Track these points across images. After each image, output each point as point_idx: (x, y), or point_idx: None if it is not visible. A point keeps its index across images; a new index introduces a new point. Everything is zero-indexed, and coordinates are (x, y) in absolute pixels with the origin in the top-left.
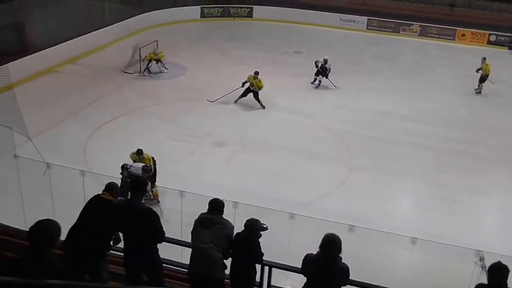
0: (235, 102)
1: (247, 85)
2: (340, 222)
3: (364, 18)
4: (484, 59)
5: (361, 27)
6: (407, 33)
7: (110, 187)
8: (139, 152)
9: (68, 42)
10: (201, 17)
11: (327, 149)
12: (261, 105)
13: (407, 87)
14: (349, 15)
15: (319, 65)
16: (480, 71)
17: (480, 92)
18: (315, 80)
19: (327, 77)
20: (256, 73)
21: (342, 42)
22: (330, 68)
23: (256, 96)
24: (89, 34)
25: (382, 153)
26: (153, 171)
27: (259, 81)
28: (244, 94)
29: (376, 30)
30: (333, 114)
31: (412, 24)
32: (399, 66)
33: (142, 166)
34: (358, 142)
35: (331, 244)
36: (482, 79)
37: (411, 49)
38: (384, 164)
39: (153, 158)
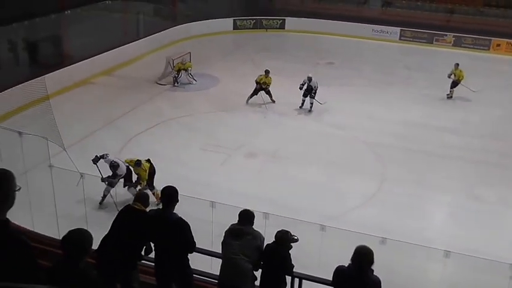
0: (247, 102)
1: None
2: (372, 235)
3: (397, 29)
4: (457, 64)
5: (394, 38)
6: (440, 44)
7: (141, 197)
8: (137, 164)
9: (103, 54)
10: (233, 28)
11: (360, 161)
12: (272, 99)
13: (442, 98)
14: (382, 26)
15: (305, 86)
16: (452, 76)
17: (451, 97)
18: (303, 102)
19: (313, 97)
20: (267, 72)
21: (375, 53)
22: (316, 87)
23: (268, 92)
24: (124, 46)
25: (415, 164)
26: (123, 172)
27: (270, 78)
28: (255, 93)
29: (409, 41)
30: (366, 125)
31: (446, 35)
32: (433, 76)
33: (111, 161)
34: (391, 153)
35: (363, 256)
36: (454, 84)
37: (445, 60)
38: (418, 176)
39: (151, 164)
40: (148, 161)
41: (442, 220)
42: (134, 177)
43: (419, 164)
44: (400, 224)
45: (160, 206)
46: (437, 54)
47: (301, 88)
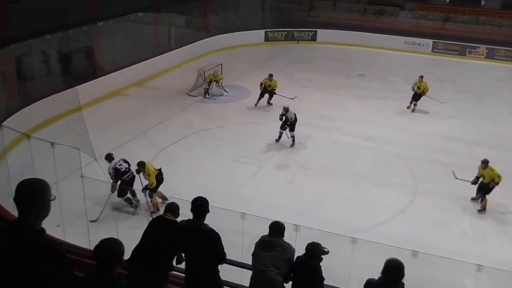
0: (256, 105)
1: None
2: (403, 248)
3: (430, 41)
4: (421, 77)
5: (426, 50)
6: (473, 56)
7: (172, 208)
8: (139, 164)
9: (134, 65)
10: (265, 40)
11: (391, 173)
12: (269, 102)
13: (474, 111)
14: (414, 38)
15: (283, 117)
16: (416, 89)
17: (413, 111)
18: (280, 135)
19: (291, 130)
20: (271, 75)
21: (406, 65)
22: (293, 118)
23: (271, 96)
24: (156, 58)
25: (447, 178)
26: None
27: (275, 81)
28: (262, 95)
29: (442, 53)
30: (398, 138)
31: (479, 47)
32: (465, 89)
33: (113, 166)
34: (423, 167)
35: (393, 269)
36: (417, 97)
37: (477, 72)
38: (449, 189)
39: (159, 169)
40: (159, 170)
41: (474, 234)
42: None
43: (450, 177)
44: (431, 237)
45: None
46: (470, 67)
47: (281, 119)
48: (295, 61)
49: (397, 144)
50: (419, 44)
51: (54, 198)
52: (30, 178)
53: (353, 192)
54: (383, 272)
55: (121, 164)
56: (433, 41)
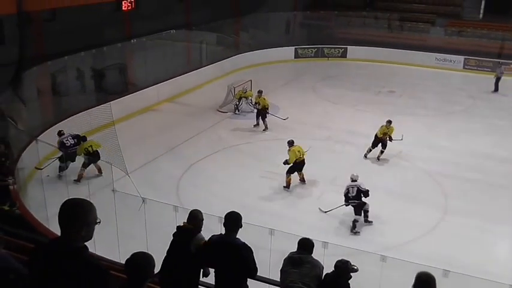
0: (255, 126)
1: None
2: (433, 267)
3: (461, 58)
4: (260, 92)
5: (458, 66)
6: (506, 72)
7: (191, 217)
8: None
9: (166, 82)
10: (294, 57)
11: (422, 191)
12: (266, 126)
13: (508, 128)
14: (445, 55)
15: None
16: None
17: (366, 156)
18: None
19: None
20: (260, 92)
21: (438, 81)
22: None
23: (264, 117)
24: (187, 74)
25: (479, 196)
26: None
27: (264, 99)
28: (258, 115)
29: (474, 69)
30: (429, 155)
31: None
32: (499, 106)
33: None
34: (455, 184)
35: (425, 283)
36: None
37: (510, 89)
38: (482, 208)
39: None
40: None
41: (506, 253)
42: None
43: (482, 195)
44: (463, 256)
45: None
46: (503, 83)
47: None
48: (324, 77)
49: (428, 161)
50: (451, 61)
51: (100, 222)
52: (77, 198)
53: (382, 209)
54: (414, 286)
55: (67, 140)
56: (465, 58)
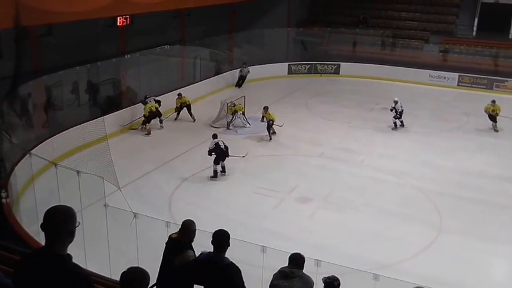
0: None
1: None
2: (427, 286)
3: (455, 75)
4: (493, 101)
5: (452, 83)
6: (501, 90)
7: (184, 226)
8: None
9: (159, 97)
10: (288, 73)
11: (415, 209)
12: (270, 135)
13: (502, 146)
14: (439, 72)
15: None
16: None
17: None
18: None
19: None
20: (266, 108)
21: (431, 98)
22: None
23: (269, 127)
24: (180, 89)
25: (474, 214)
26: None
27: (270, 114)
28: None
29: (468, 86)
30: (423, 172)
31: (507, 81)
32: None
33: None
34: (449, 202)
35: None
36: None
37: (505, 106)
38: (476, 226)
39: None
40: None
41: (500, 273)
42: None
43: (477, 214)
44: (456, 276)
45: None
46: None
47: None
48: (318, 94)
49: (422, 178)
50: (445, 78)
51: (79, 225)
52: (59, 205)
53: (376, 228)
54: None
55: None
56: (459, 75)
